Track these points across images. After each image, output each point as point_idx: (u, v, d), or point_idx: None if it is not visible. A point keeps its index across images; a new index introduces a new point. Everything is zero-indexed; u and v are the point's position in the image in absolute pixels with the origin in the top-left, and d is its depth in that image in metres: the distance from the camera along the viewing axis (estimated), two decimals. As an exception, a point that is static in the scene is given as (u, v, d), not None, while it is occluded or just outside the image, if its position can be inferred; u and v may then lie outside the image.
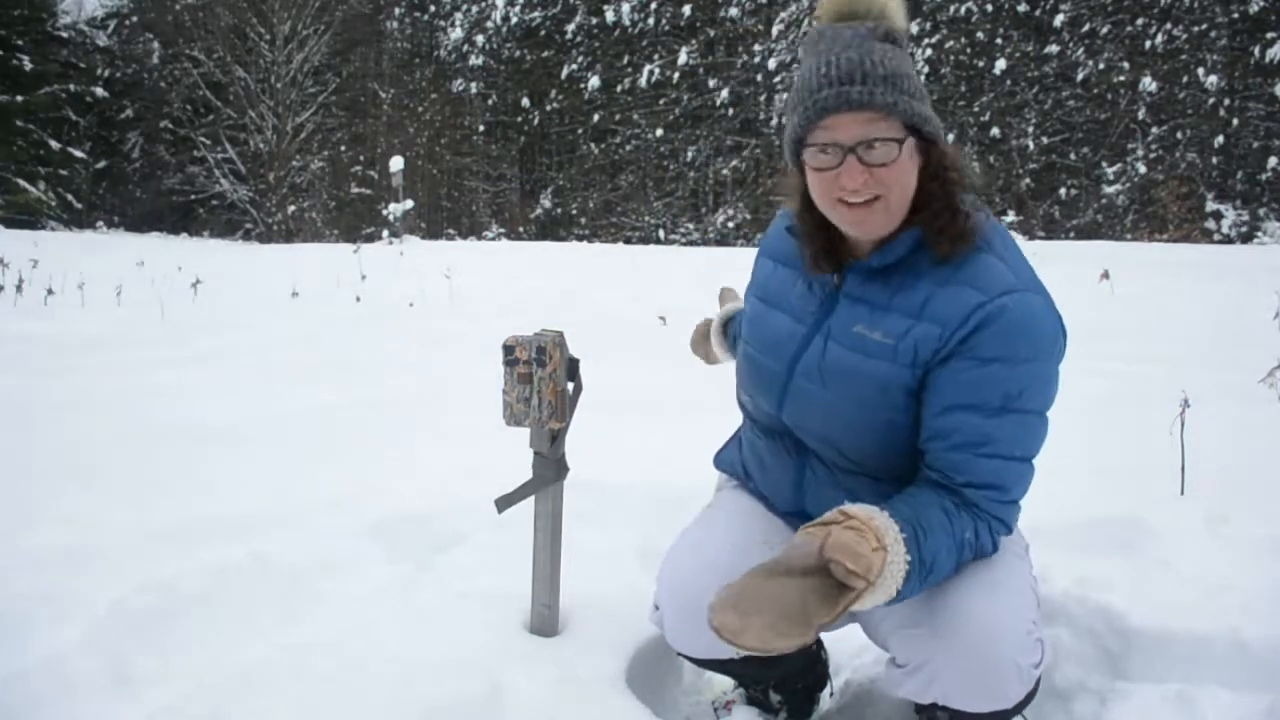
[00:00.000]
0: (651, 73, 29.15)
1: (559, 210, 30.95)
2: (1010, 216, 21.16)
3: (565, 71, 31.02)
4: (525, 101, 31.94)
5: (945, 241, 1.50)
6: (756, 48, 27.71)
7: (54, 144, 29.17)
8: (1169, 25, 22.50)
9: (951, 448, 1.51)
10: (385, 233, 20.95)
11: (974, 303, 1.47)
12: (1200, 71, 21.82)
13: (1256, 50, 21.18)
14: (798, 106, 1.49)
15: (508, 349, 1.88)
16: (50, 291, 9.04)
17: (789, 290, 1.70)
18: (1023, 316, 1.47)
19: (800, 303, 1.67)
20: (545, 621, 2.00)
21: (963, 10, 25.00)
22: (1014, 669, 1.51)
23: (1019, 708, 1.58)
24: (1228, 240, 19.25)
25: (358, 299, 9.63)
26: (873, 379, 1.55)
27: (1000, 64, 24.04)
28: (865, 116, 1.44)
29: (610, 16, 30.03)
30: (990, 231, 1.55)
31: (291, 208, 28.10)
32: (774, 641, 1.31)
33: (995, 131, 24.47)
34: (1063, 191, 23.75)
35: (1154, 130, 22.49)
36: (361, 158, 31.09)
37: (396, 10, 35.35)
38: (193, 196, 30.42)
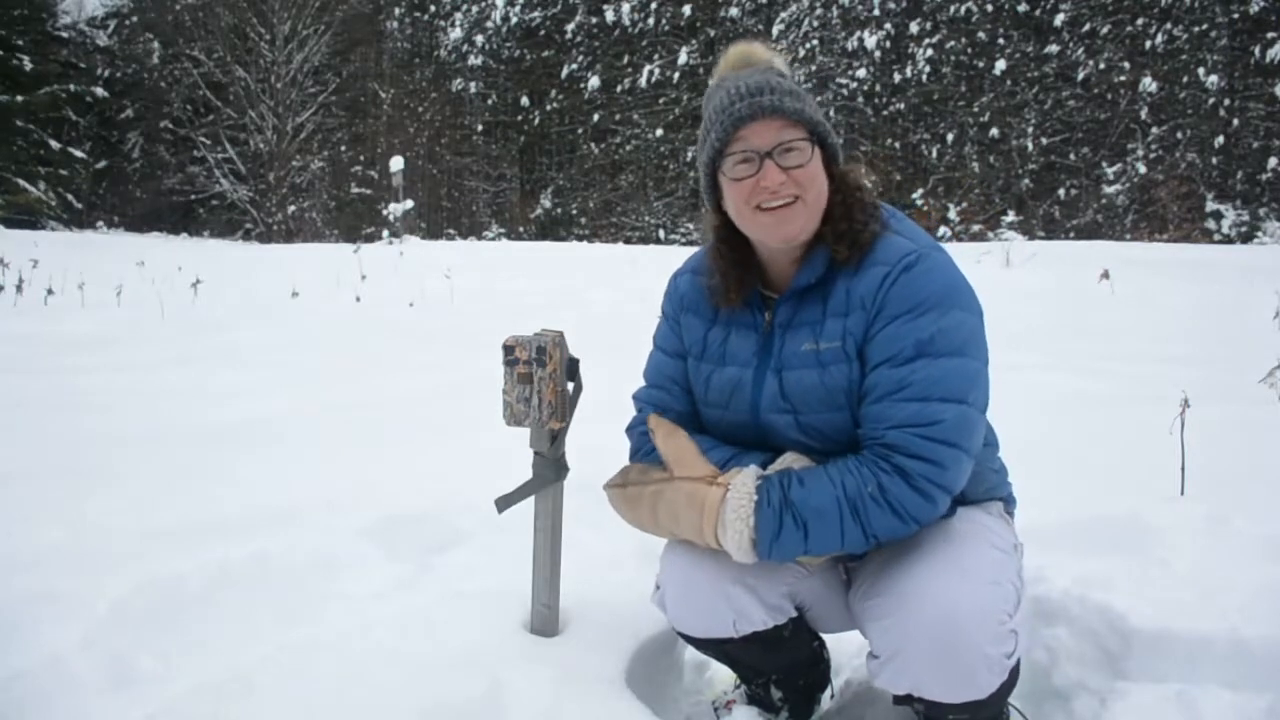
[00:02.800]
0: (651, 73, 29.17)
1: (559, 210, 30.94)
2: (1010, 216, 21.14)
3: (565, 71, 31.02)
4: (525, 101, 31.94)
5: (844, 247, 1.65)
6: (756, 47, 27.70)
7: (54, 144, 29.17)
8: (1169, 25, 22.51)
9: (875, 400, 1.59)
10: (385, 233, 20.94)
11: (882, 274, 1.62)
12: (1200, 71, 21.83)
13: (1256, 50, 21.20)
14: (712, 129, 1.64)
15: (508, 349, 1.88)
16: (50, 291, 9.05)
17: (722, 341, 1.78)
18: (923, 270, 1.60)
19: (737, 348, 1.76)
20: (545, 621, 2.00)
21: (963, 10, 24.99)
22: (981, 657, 1.52)
23: (995, 699, 1.58)
24: (1228, 240, 19.24)
25: (358, 299, 9.63)
26: (837, 383, 1.64)
27: (1000, 64, 24.04)
28: (777, 124, 1.61)
29: (610, 16, 30.04)
30: (888, 218, 1.71)
31: (291, 208, 28.13)
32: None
33: (995, 131, 24.47)
34: (1062, 191, 23.74)
35: (1154, 130, 22.50)
36: (361, 158, 31.11)
37: (396, 10, 35.36)
38: (193, 196, 30.44)
